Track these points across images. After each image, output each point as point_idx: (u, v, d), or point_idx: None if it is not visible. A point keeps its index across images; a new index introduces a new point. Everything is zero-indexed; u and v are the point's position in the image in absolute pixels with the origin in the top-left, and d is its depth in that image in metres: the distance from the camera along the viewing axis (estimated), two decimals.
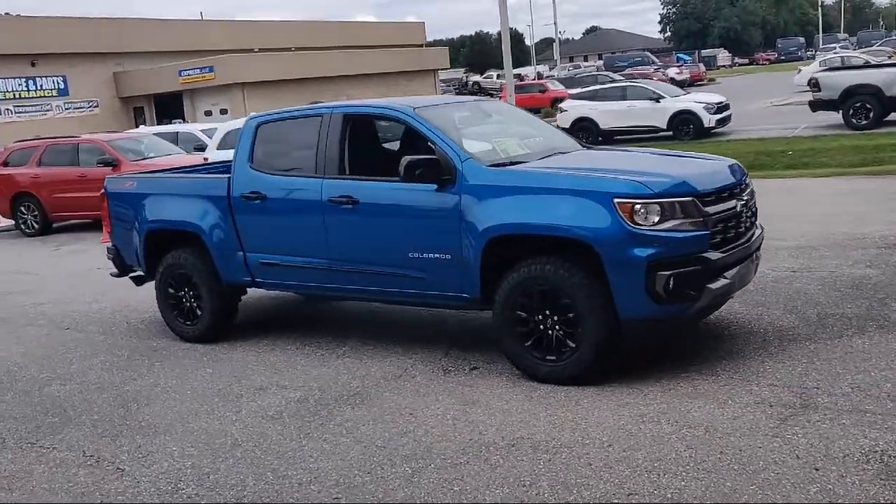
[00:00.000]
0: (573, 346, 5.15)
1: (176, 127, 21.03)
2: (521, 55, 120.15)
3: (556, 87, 40.60)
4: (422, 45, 59.58)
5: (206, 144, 16.76)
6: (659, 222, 4.92)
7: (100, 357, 6.92)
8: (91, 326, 8.01)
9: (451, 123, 6.01)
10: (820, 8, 77.27)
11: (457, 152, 5.56)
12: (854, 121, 19.60)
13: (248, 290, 7.15)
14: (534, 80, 52.24)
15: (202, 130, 17.68)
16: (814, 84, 20.60)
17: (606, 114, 22.40)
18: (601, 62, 72.57)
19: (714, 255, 5.06)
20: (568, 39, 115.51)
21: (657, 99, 22.15)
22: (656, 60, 68.17)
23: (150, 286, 7.48)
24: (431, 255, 5.66)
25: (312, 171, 6.23)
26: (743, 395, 4.80)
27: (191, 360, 6.58)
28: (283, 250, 6.43)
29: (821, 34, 68.59)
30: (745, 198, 5.50)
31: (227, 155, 11.95)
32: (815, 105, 20.49)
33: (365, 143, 6.48)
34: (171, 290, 7.12)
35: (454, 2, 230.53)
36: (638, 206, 4.90)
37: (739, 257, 5.30)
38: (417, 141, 5.96)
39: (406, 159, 5.53)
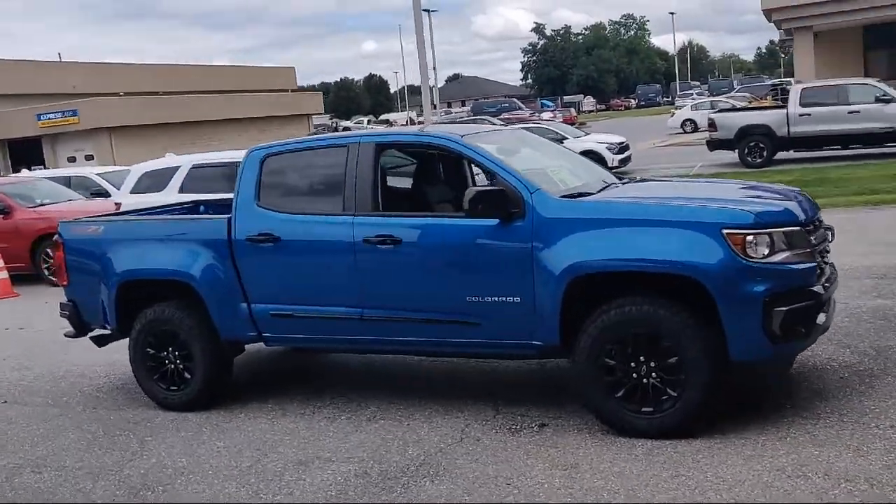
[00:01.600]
0: (674, 394, 4.61)
1: (69, 170, 19.34)
2: (387, 101, 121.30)
3: None
4: (292, 90, 58.56)
5: (103, 189, 15.39)
6: (769, 254, 4.50)
7: (68, 435, 5.80)
8: (34, 398, 6.80)
9: (507, 152, 5.42)
10: (675, 58, 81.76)
11: (524, 183, 4.97)
12: (749, 159, 20.35)
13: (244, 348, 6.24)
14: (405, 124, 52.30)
15: (98, 174, 16.20)
16: (710, 124, 21.38)
17: None
18: (467, 108, 73.66)
19: (820, 289, 4.68)
20: (431, 87, 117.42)
21: (560, 140, 22.29)
22: (523, 106, 69.95)
23: (112, 347, 6.43)
24: (495, 299, 5.00)
25: (339, 209, 5.47)
26: (873, 441, 4.39)
27: (189, 433, 5.59)
28: (301, 299, 5.59)
29: (678, 82, 72.68)
30: (824, 227, 5.18)
31: (147, 200, 10.99)
32: (713, 144, 21.24)
33: (399, 175, 5.78)
34: (150, 351, 6.10)
35: (315, 49, 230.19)
36: (749, 238, 4.46)
37: (831, 291, 4.96)
38: (459, 172, 5.33)
39: (472, 191, 4.89)
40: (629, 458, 4.48)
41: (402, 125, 54.67)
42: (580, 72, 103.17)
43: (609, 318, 4.68)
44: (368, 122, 73.37)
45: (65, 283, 6.51)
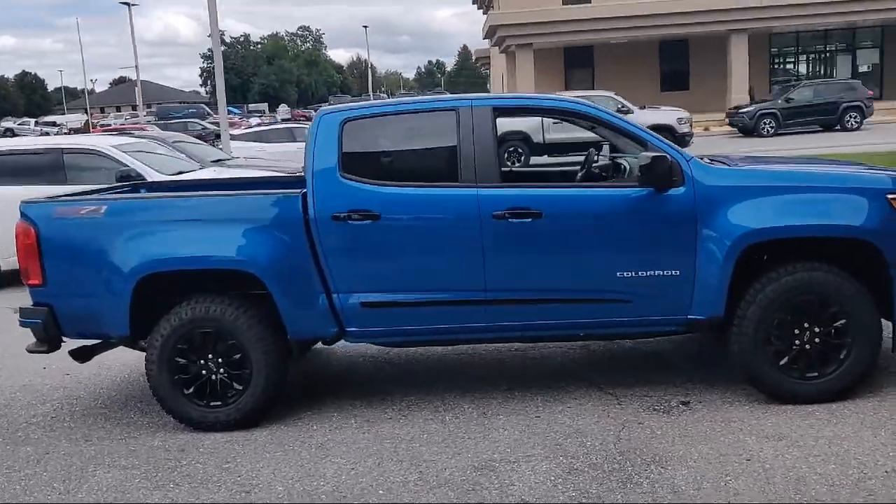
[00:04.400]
0: (841, 357, 4.71)
1: None
2: (45, 102, 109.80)
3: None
4: None
5: None
6: None
7: (98, 472, 4.45)
8: (34, 432, 5.15)
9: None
10: (370, 71, 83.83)
11: (678, 151, 4.78)
12: (508, 163, 21.55)
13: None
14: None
15: None
16: None
17: (279, 155, 21.38)
18: (144, 113, 68.96)
19: None
20: (92, 91, 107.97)
21: None
22: (211, 112, 67.19)
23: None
24: (650, 273, 4.74)
25: (454, 180, 4.83)
26: None
27: (277, 453, 4.57)
28: (407, 285, 4.85)
29: (371, 93, 74.54)
30: None
31: None
32: None
33: (516, 143, 5.22)
34: (180, 361, 4.89)
35: None
36: None
37: None
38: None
39: (647, 157, 4.58)
40: (826, 424, 4.49)
41: (76, 129, 50.16)
42: (261, 81, 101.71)
43: (780, 285, 4.65)
44: (36, 123, 65.79)
45: (37, 282, 4.99)
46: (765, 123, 26.88)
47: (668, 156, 4.63)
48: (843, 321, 4.67)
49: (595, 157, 5.84)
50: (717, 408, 4.82)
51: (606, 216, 4.75)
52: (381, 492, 4.03)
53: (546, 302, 4.83)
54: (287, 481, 4.21)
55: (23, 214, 5.01)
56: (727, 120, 28.96)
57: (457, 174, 4.83)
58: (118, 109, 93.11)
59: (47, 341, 5.08)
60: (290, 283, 4.83)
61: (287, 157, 21.35)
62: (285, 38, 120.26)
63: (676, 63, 36.51)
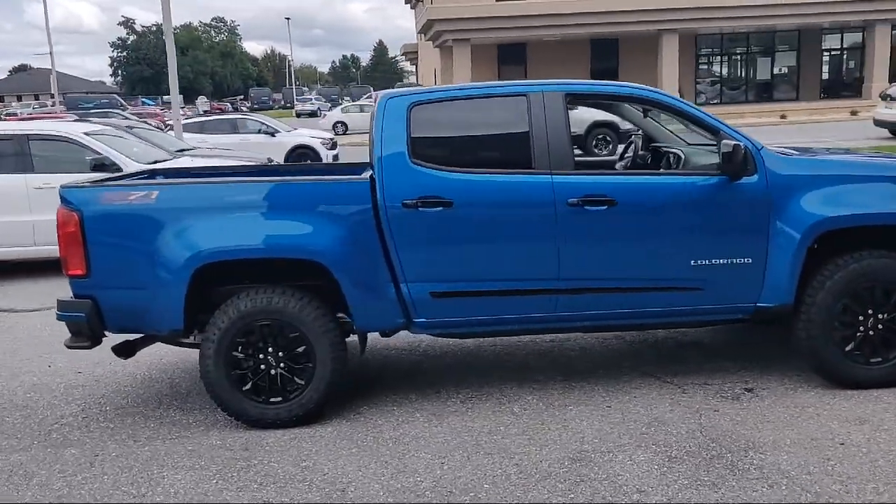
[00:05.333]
0: None
1: None
2: None
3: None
4: None
5: None
6: None
7: (167, 473, 4.18)
8: (71, 433, 4.77)
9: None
10: (289, 64, 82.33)
11: (750, 140, 4.80)
12: (596, 151, 21.45)
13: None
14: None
15: None
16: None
17: (221, 146, 20.76)
18: (53, 103, 66.21)
19: None
20: None
21: (272, 133, 21.41)
22: (124, 103, 64.99)
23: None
24: (724, 261, 4.75)
25: (527, 166, 4.73)
26: None
27: (344, 453, 4.39)
28: (478, 274, 4.72)
29: (293, 87, 73.27)
30: None
31: None
32: None
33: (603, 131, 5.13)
34: (238, 356, 4.65)
35: None
36: None
37: None
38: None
39: (729, 145, 4.57)
40: (891, 408, 4.58)
41: None
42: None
43: (848, 272, 4.72)
44: None
45: (80, 272, 4.65)
46: None
47: (742, 144, 4.64)
48: None
49: (637, 147, 5.83)
50: (783, 394, 4.86)
51: (680, 204, 4.73)
52: (486, 486, 3.91)
53: (618, 291, 4.78)
54: (379, 478, 4.04)
55: (64, 200, 4.66)
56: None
57: (530, 161, 4.73)
58: (19, 99, 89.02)
59: (90, 336, 4.74)
60: (359, 272, 4.65)
61: (232, 147, 20.80)
62: (199, 28, 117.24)
63: (607, 61, 37.17)
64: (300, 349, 4.67)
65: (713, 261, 4.75)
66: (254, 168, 6.89)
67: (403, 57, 60.79)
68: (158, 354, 5.88)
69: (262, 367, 4.68)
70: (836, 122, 29.25)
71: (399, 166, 4.68)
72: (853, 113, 29.82)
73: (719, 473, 3.91)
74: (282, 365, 4.69)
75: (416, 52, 53.67)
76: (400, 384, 5.36)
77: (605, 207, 4.67)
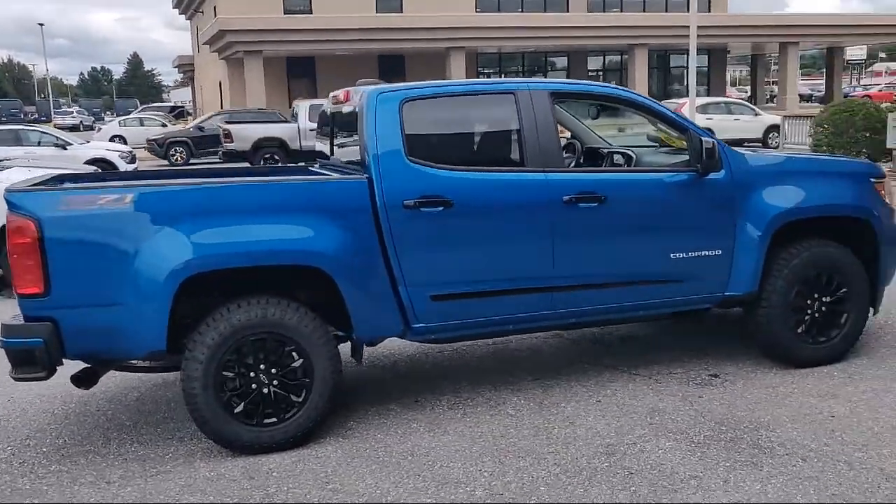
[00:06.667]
0: (842, 322, 5.30)
1: None
2: None
3: None
4: None
5: None
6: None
7: None
8: (34, 479, 3.98)
9: None
10: (34, 74, 75.14)
11: (713, 138, 5.08)
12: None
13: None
14: None
15: None
16: (226, 135, 21.43)
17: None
18: None
19: None
20: None
21: (64, 146, 19.67)
22: None
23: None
24: (698, 254, 4.99)
25: (519, 164, 4.70)
26: None
27: (368, 471, 4.11)
28: (476, 276, 4.60)
29: (51, 101, 67.01)
30: None
31: None
32: (228, 155, 21.49)
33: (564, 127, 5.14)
34: (228, 375, 4.21)
35: None
36: (881, 185, 5.44)
37: None
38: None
39: (709, 142, 4.80)
40: (852, 382, 5.03)
41: None
42: None
43: (802, 261, 5.13)
44: None
45: (36, 290, 3.97)
46: (176, 151, 25.37)
47: (713, 141, 4.90)
48: (844, 290, 5.26)
49: (578, 149, 6.01)
50: (748, 377, 5.18)
51: (661, 200, 4.91)
52: (542, 489, 3.81)
53: (608, 286, 4.87)
54: (426, 492, 3.82)
55: (13, 206, 3.98)
56: None
57: (522, 158, 4.70)
58: None
59: (46, 365, 4.06)
60: (360, 277, 4.37)
61: (17, 159, 18.86)
62: None
63: (395, 76, 37.64)
64: (296, 364, 4.30)
65: (689, 253, 4.98)
66: (224, 170, 6.25)
67: (178, 70, 57.80)
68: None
69: (254, 385, 4.26)
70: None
71: (396, 165, 4.46)
72: (620, 130, 32.39)
73: (750, 453, 4.09)
74: (275, 382, 4.29)
75: (192, 63, 51.37)
76: (374, 396, 5.10)
77: (595, 204, 4.74)
